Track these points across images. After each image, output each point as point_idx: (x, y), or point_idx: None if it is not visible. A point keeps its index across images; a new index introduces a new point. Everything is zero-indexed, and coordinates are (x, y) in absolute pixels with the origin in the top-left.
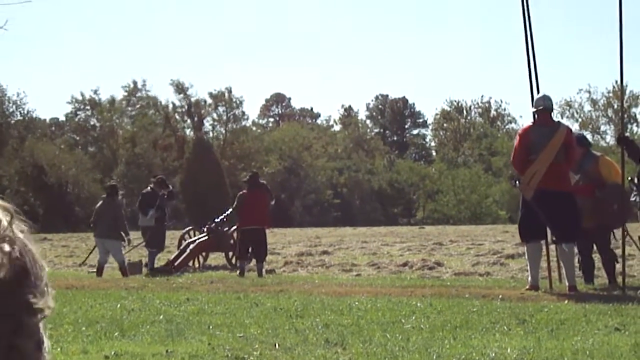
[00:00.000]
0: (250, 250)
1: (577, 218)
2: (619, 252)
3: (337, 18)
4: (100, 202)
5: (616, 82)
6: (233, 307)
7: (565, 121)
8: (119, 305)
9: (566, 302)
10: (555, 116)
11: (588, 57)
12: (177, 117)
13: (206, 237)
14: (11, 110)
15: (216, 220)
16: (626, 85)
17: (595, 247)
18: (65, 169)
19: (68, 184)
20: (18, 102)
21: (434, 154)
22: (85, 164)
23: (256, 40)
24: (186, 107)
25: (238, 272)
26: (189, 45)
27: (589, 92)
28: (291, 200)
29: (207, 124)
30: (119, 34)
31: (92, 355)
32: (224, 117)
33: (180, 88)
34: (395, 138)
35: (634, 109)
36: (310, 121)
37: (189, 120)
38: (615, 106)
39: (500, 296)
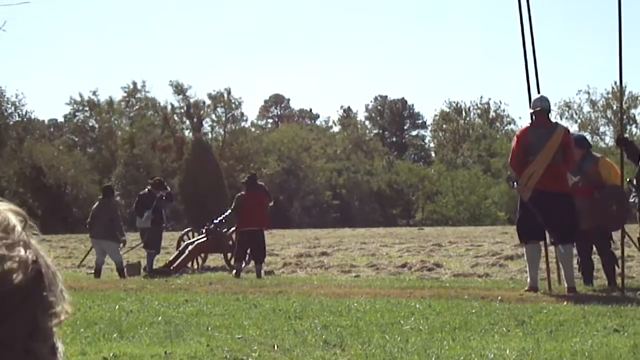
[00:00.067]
0: (248, 251)
1: (575, 219)
2: (618, 253)
3: (336, 19)
4: (96, 203)
5: (615, 83)
6: (232, 308)
7: (564, 122)
8: (117, 307)
9: (565, 303)
10: (555, 117)
11: (587, 58)
12: (176, 118)
13: (205, 238)
14: (10, 111)
15: (215, 221)
16: (625, 86)
17: (594, 249)
18: (63, 170)
19: (67, 185)
20: (17, 103)
21: (433, 155)
22: (84, 165)
23: (255, 41)
24: (185, 108)
25: (234, 272)
26: (188, 46)
27: (588, 93)
28: (290, 201)
29: (206, 125)
30: (118, 34)
31: (90, 357)
32: (223, 118)
33: (179, 89)
34: (394, 139)
35: (633, 110)
36: (309, 122)
37: (187, 122)
38: (615, 107)
39: (499, 297)
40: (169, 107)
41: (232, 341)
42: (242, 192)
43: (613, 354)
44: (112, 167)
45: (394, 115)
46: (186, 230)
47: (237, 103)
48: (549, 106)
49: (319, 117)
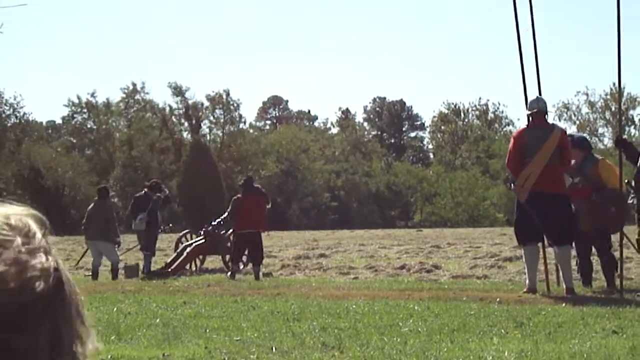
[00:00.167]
0: (246, 253)
1: (572, 220)
2: (617, 254)
3: (334, 21)
4: (92, 205)
5: (614, 84)
6: (230, 310)
7: (562, 124)
8: (115, 309)
9: (564, 305)
10: (553, 118)
11: (585, 60)
12: (174, 119)
13: (203, 240)
14: (8, 113)
15: (213, 223)
16: (624, 88)
17: (593, 250)
18: (61, 172)
19: (65, 187)
20: (15, 105)
21: (431, 156)
22: (82, 167)
23: (253, 43)
24: (183, 109)
25: (229, 274)
26: (186, 48)
27: (587, 94)
28: (288, 203)
29: (204, 126)
30: (116, 36)
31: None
32: (221, 120)
33: (178, 91)
34: (392, 140)
35: (631, 111)
36: (307, 124)
37: (186, 123)
38: (613, 108)
39: (497, 299)
40: (167, 108)
41: (230, 343)
42: (239, 195)
43: (612, 356)
44: (110, 169)
45: (392, 116)
46: (184, 232)
47: (235, 105)
48: (546, 107)
49: (317, 118)
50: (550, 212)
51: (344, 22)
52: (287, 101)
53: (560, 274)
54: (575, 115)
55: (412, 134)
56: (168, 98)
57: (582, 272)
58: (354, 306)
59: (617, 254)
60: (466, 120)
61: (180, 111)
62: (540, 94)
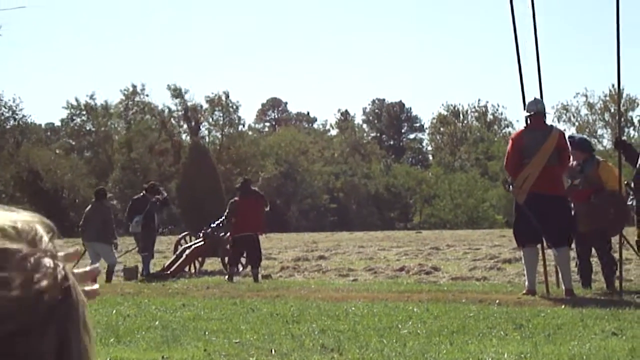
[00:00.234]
0: (244, 256)
1: (570, 222)
2: (616, 256)
3: (333, 22)
4: (89, 207)
5: (613, 85)
6: (229, 312)
7: (562, 125)
8: (114, 311)
9: (563, 306)
10: (552, 120)
11: (585, 61)
12: (173, 121)
13: (202, 243)
14: (7, 115)
15: (212, 225)
16: (623, 89)
17: (593, 252)
18: (60, 174)
19: (64, 189)
20: (14, 107)
21: (430, 158)
22: (81, 169)
23: (252, 44)
24: (182, 111)
25: (227, 277)
26: (185, 50)
27: (586, 95)
28: (287, 205)
29: (203, 128)
30: (115, 38)
31: None
32: (221, 122)
33: (177, 92)
34: (391, 142)
35: (630, 113)
36: (306, 126)
37: (185, 125)
38: (612, 110)
39: (497, 301)
40: (166, 110)
41: (229, 346)
42: (236, 198)
43: (611, 358)
44: (109, 171)
45: (391, 118)
46: (183, 234)
47: (234, 107)
48: (544, 109)
49: (316, 120)
50: (549, 214)
51: (342, 24)
52: (286, 103)
53: (560, 275)
54: (574, 116)
55: (411, 136)
56: (167, 100)
57: (582, 274)
58: (353, 308)
59: (616, 256)
60: (465, 121)
61: (179, 113)
62: (541, 95)
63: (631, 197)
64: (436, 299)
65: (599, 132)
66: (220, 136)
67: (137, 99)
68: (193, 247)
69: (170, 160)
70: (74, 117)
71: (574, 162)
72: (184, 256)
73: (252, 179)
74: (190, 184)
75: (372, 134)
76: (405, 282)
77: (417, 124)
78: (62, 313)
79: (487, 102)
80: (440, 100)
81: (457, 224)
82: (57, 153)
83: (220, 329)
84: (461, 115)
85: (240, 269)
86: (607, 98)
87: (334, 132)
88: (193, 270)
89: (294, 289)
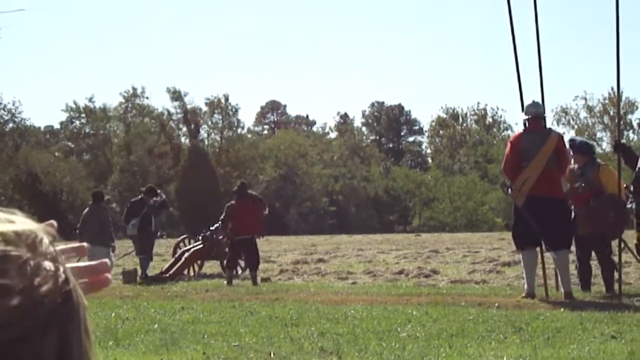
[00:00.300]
0: (243, 259)
1: (569, 225)
2: (615, 259)
3: (333, 25)
4: (86, 209)
5: (612, 88)
6: (228, 315)
7: (561, 128)
8: (113, 314)
9: (562, 310)
10: (551, 123)
11: (584, 64)
12: (173, 124)
13: (201, 245)
14: (6, 118)
15: (211, 228)
16: (622, 92)
17: (593, 255)
18: (59, 177)
19: (62, 192)
20: (13, 110)
21: (429, 161)
22: (80, 172)
23: (251, 47)
24: (182, 114)
25: (226, 281)
26: (185, 53)
27: (585, 98)
28: (286, 208)
29: (203, 131)
30: (114, 41)
31: None
32: (220, 125)
33: (176, 95)
34: (391, 145)
35: (629, 116)
36: (305, 128)
37: (184, 128)
38: (612, 113)
39: (496, 304)
40: (166, 113)
41: (228, 349)
42: (232, 202)
43: None
44: (108, 174)
45: (390, 121)
46: (182, 237)
47: (233, 109)
48: (543, 112)
49: (315, 123)
50: (548, 217)
51: (342, 26)
52: (285, 106)
53: (559, 278)
54: (573, 119)
55: (411, 139)
56: (166, 103)
57: (582, 277)
58: (352, 311)
59: (615, 259)
60: (464, 124)
61: (179, 116)
62: (543, 99)
63: (630, 200)
64: (435, 302)
65: (598, 135)
66: (219, 139)
67: (137, 101)
68: (192, 250)
69: (169, 163)
70: (73, 120)
71: (575, 166)
72: (183, 259)
73: (251, 182)
74: (190, 187)
75: (372, 137)
76: (404, 285)
77: (416, 127)
78: (63, 316)
79: (487, 105)
80: (439, 103)
81: (456, 227)
82: (56, 156)
83: (219, 332)
84: (460, 118)
85: (240, 272)
86: (607, 101)
87: (333, 135)
88: (192, 273)
89: (293, 292)
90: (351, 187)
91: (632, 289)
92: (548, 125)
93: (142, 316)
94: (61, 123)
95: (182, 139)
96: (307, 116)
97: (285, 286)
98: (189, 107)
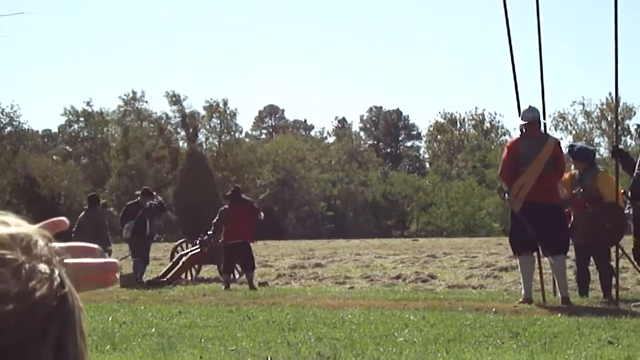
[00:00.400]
0: (238, 263)
1: (566, 230)
2: (613, 264)
3: (331, 30)
4: (82, 213)
5: (610, 94)
6: (225, 320)
7: (559, 133)
8: (110, 318)
9: (559, 315)
10: (549, 128)
11: (582, 69)
12: (171, 128)
13: (198, 250)
14: (4, 122)
15: (209, 232)
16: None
17: (591, 260)
18: (57, 181)
19: (60, 196)
20: (11, 114)
21: (427, 166)
22: (78, 176)
23: (250, 52)
24: (180, 118)
25: (223, 286)
26: (184, 57)
27: (583, 104)
28: (284, 212)
29: (201, 135)
30: (113, 45)
31: None
32: (218, 129)
33: (175, 99)
34: (389, 150)
35: (627, 121)
36: (303, 133)
37: (182, 132)
38: (609, 118)
39: (493, 309)
40: (164, 117)
41: (225, 353)
42: (226, 206)
43: None
44: (106, 177)
45: (388, 126)
46: (180, 241)
47: (232, 114)
48: (539, 117)
49: (313, 127)
50: (545, 222)
51: (339, 31)
52: (283, 110)
53: (556, 284)
54: (571, 125)
55: (409, 144)
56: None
57: (580, 282)
58: (349, 316)
59: (613, 264)
60: (462, 129)
61: (177, 120)
62: (543, 104)
63: (628, 205)
64: (432, 307)
65: (596, 140)
66: (217, 143)
67: (136, 105)
68: (189, 254)
69: (167, 167)
70: (71, 124)
71: (576, 172)
72: (180, 263)
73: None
74: (187, 191)
75: (369, 142)
76: (401, 290)
77: (414, 132)
78: (59, 319)
79: (484, 110)
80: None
81: (454, 232)
82: (54, 160)
83: (216, 336)
84: (458, 123)
85: (237, 276)
86: (604, 106)
87: (331, 139)
88: (189, 278)
89: (290, 297)
90: (349, 191)
91: (630, 295)
92: (544, 131)
93: (139, 320)
94: (59, 127)
95: (180, 143)
96: (305, 121)
97: (282, 291)
98: (187, 111)
